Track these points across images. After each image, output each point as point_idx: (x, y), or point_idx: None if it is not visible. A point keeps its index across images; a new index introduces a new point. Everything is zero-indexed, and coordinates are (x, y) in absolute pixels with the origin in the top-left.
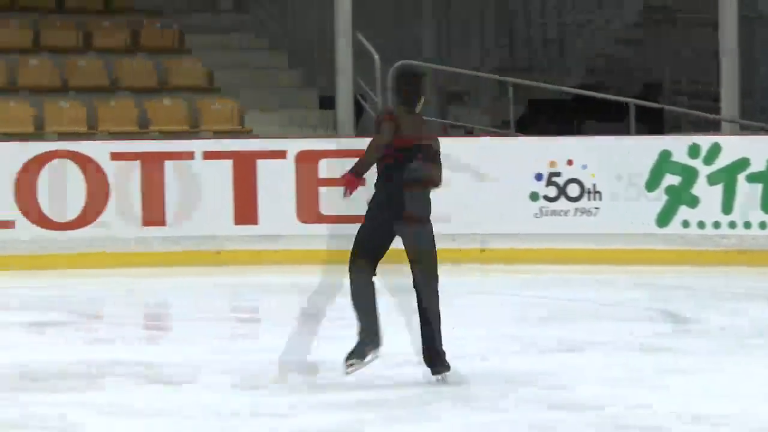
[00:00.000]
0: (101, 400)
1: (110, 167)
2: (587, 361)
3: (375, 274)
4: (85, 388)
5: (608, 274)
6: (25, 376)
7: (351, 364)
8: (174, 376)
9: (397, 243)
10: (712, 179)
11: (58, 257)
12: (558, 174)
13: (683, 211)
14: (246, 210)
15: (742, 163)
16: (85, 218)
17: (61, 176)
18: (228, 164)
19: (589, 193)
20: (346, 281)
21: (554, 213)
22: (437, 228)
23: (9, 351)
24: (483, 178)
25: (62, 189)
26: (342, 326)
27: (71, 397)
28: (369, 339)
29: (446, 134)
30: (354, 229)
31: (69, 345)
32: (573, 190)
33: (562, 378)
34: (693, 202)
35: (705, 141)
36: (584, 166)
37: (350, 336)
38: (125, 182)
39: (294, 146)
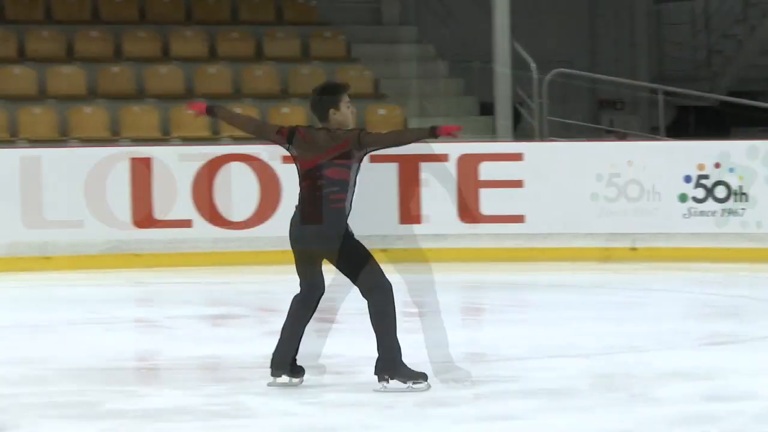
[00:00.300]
0: (284, 390)
1: (282, 170)
2: (745, 355)
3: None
4: (260, 378)
5: (757, 272)
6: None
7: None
8: (343, 368)
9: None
10: None
11: (234, 254)
12: (706, 176)
13: None
14: (411, 210)
15: None
16: (257, 217)
17: (236, 179)
18: (394, 167)
19: (735, 194)
20: (510, 277)
21: (702, 213)
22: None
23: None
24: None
25: (237, 191)
26: (505, 321)
27: (247, 387)
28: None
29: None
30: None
31: (245, 338)
32: (720, 191)
33: (719, 371)
34: None
35: None
36: (731, 169)
37: (514, 328)
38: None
39: (456, 150)
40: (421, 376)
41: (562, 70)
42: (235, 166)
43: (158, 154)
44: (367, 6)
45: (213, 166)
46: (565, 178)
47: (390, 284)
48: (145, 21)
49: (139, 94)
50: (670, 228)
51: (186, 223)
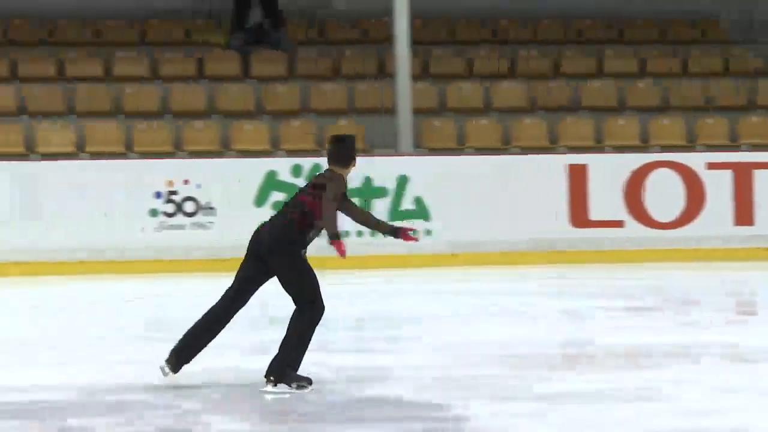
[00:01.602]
0: (693, 376)
1: (707, 176)
2: None
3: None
4: (675, 365)
5: None
6: (639, 354)
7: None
8: (753, 355)
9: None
10: None
11: (657, 252)
12: None
13: None
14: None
15: None
16: (683, 219)
17: (663, 183)
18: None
19: None
20: None
21: None
22: None
23: (624, 333)
24: None
25: (664, 194)
26: None
27: (663, 374)
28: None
29: None
30: None
31: (661, 328)
32: None
33: None
34: None
35: None
36: None
37: None
38: (719, 188)
39: None
40: (306, 380)
41: None
42: (664, 172)
43: (593, 161)
44: None
45: (643, 172)
46: None
47: (323, 309)
48: (580, 41)
49: (575, 107)
50: None
51: (618, 224)
